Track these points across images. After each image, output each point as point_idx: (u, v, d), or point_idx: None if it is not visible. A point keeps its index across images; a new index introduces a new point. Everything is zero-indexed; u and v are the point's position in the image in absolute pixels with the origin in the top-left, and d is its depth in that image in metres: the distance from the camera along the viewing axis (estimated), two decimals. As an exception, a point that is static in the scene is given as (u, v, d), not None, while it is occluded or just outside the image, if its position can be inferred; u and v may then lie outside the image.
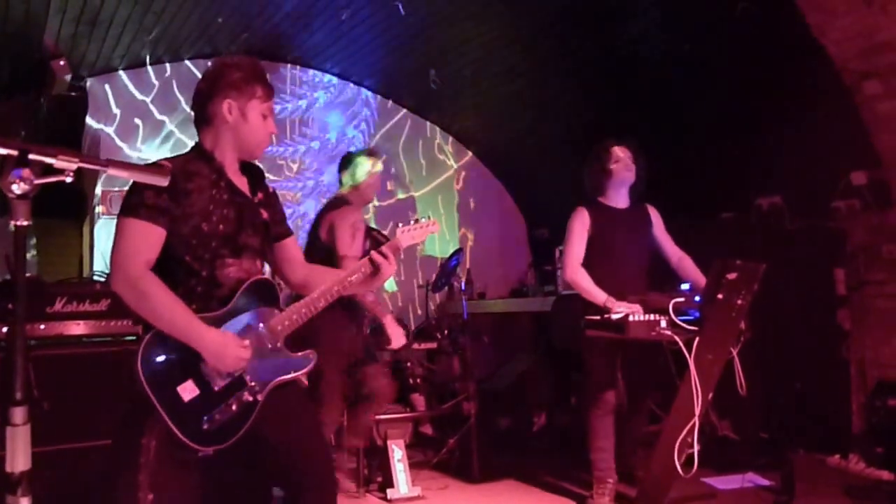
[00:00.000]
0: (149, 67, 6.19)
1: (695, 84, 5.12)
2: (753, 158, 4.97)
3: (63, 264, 6.37)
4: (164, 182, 1.54)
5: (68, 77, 5.17)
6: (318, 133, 7.05)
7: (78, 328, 3.55)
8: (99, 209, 5.82)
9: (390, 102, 7.42)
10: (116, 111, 6.06)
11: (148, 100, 6.21)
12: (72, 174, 1.26)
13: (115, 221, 2.03)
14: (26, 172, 1.20)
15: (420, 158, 7.60)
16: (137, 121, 6.13)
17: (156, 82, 6.24)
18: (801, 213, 4.79)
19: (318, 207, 4.82)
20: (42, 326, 3.45)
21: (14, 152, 1.21)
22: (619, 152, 3.88)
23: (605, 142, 3.96)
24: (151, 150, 6.15)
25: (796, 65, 4.46)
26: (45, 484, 3.08)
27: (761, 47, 4.52)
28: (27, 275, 5.31)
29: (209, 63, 2.34)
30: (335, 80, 7.10)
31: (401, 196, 7.48)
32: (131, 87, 6.15)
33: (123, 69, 6.07)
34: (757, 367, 3.73)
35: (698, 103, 5.19)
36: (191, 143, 2.26)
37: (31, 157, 1.22)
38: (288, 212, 4.03)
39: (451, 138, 7.73)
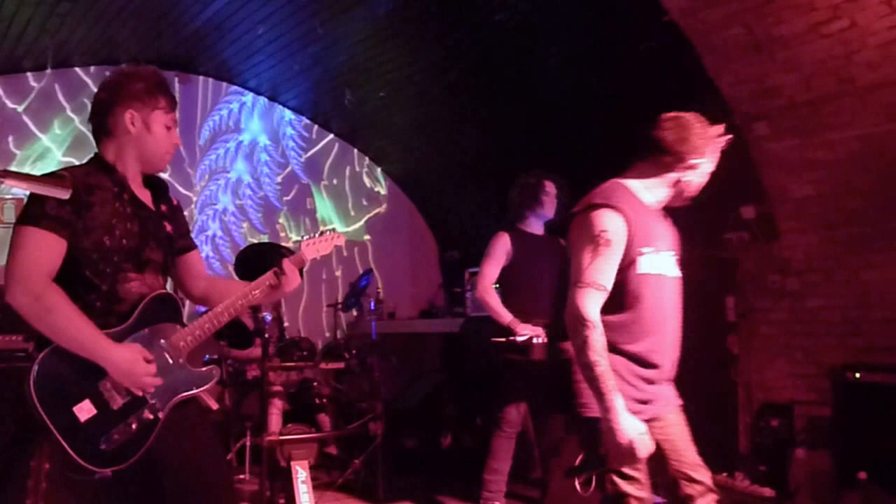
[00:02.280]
0: (28, 74, 5.90)
1: (595, 116, 5.34)
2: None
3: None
4: (65, 195, 1.50)
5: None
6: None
7: (-37, 343, 3.37)
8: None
9: (316, 127, 7.44)
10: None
11: (20, 108, 5.87)
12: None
13: (7, 229, 1.95)
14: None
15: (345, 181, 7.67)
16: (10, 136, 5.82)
17: (34, 87, 5.92)
18: (697, 243, 5.04)
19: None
20: (-78, 341, 3.26)
21: None
22: (550, 187, 3.99)
23: (535, 172, 4.05)
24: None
25: (694, 103, 4.70)
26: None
27: (660, 85, 4.77)
28: None
29: (106, 72, 2.25)
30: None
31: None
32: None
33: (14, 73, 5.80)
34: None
35: (599, 135, 5.40)
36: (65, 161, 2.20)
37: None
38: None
39: (367, 159, 7.79)
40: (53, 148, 5.91)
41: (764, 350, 4.79)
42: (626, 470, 2.12)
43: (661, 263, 2.26)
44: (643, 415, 2.10)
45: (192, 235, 2.43)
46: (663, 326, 2.25)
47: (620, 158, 5.48)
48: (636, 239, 2.17)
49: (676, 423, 2.34)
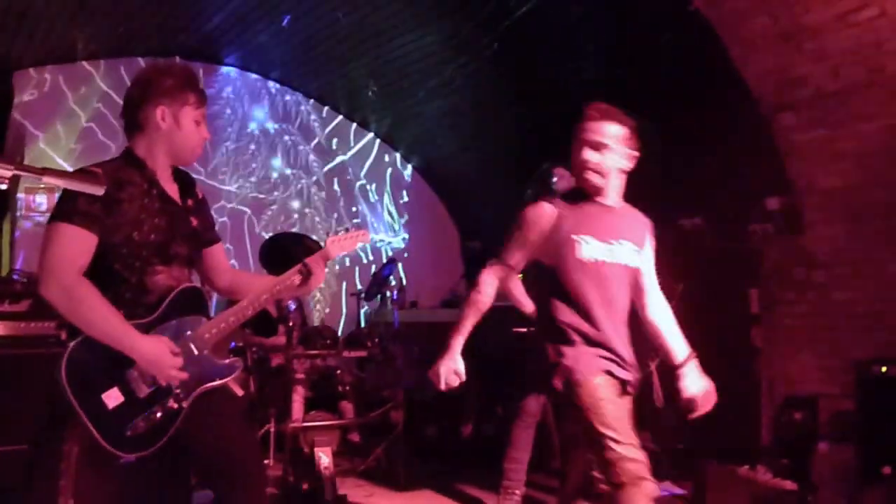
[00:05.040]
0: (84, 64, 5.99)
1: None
2: (677, 181, 5.17)
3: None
4: (99, 191, 1.55)
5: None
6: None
7: (-3, 329, 3.45)
8: (21, 207, 5.63)
9: (340, 117, 7.50)
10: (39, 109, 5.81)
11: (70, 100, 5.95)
12: (7, 181, 1.26)
13: (36, 219, 2.01)
14: (-41, 180, 1.19)
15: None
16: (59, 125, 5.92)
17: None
18: (721, 235, 5.01)
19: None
20: (-42, 326, 3.34)
21: (-54, 160, 1.20)
22: (562, 171, 3.98)
23: (543, 165, 4.04)
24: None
25: (719, 94, 4.68)
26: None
27: (687, 77, 4.73)
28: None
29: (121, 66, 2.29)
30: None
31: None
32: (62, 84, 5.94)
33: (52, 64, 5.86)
34: (675, 381, 3.88)
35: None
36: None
37: (-35, 164, 1.21)
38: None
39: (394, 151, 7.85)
40: (49, 150, 5.84)
41: (788, 343, 4.75)
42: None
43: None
44: None
45: None
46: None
47: (642, 151, 5.42)
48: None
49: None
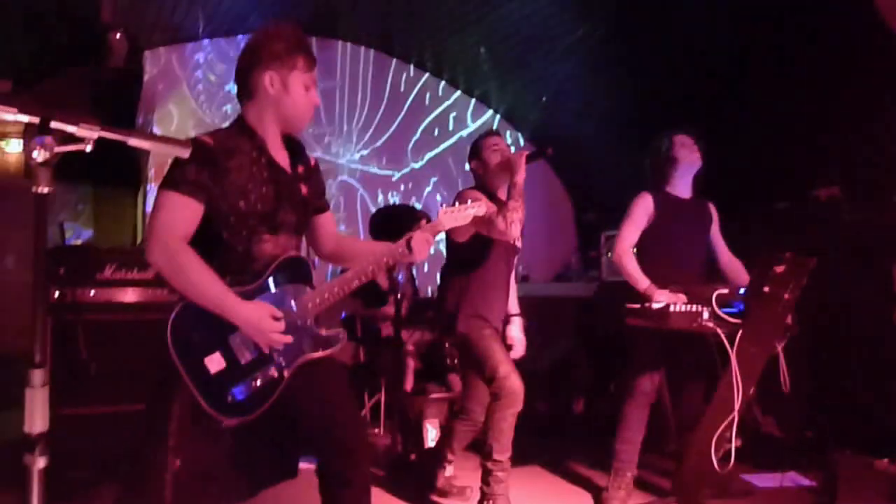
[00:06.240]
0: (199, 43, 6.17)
1: (752, 72, 4.96)
2: (812, 148, 4.79)
3: (118, 232, 6.53)
4: (184, 154, 1.54)
5: (125, 50, 5.24)
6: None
7: (126, 295, 3.64)
8: (152, 176, 5.96)
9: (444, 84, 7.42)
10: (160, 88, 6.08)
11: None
12: (92, 143, 1.28)
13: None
14: (48, 140, 1.22)
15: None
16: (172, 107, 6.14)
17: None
18: (860, 205, 4.60)
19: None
20: (92, 292, 3.56)
21: (36, 119, 1.23)
22: (683, 139, 3.77)
23: (664, 132, 3.85)
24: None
25: (859, 54, 4.27)
26: (91, 443, 3.22)
27: (825, 37, 4.35)
28: (79, 242, 5.47)
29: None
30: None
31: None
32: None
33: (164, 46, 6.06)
34: (805, 364, 3.61)
35: (755, 92, 5.02)
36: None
37: (53, 124, 1.23)
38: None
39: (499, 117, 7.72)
40: (160, 131, 6.05)
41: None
42: None
43: None
44: None
45: None
46: None
47: (788, 121, 5.07)
48: None
49: None
